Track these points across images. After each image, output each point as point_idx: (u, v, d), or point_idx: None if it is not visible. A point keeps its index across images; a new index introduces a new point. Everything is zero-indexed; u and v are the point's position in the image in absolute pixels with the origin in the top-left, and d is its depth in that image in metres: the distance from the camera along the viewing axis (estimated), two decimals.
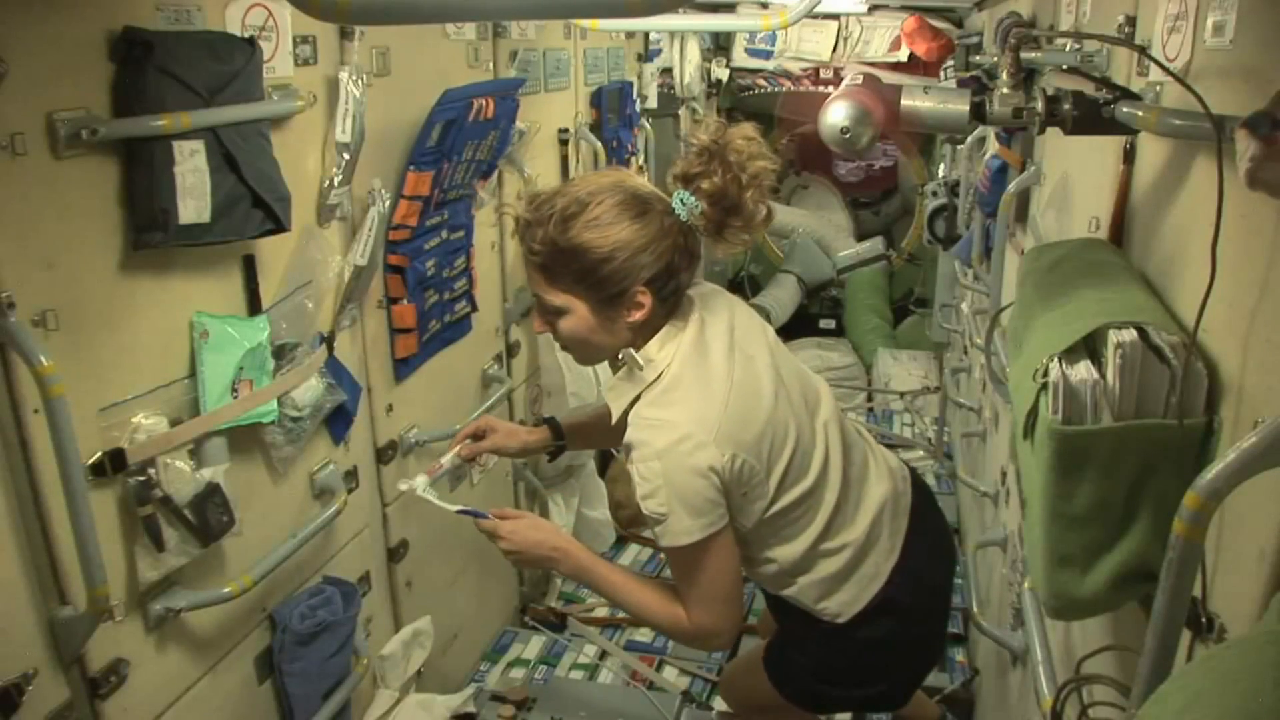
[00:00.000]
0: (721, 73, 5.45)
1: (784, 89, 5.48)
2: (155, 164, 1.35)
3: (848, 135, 1.97)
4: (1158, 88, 1.26)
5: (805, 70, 5.44)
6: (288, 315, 1.74)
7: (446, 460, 1.83)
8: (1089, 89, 1.38)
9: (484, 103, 2.22)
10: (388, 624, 2.31)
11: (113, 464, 1.36)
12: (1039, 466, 1.04)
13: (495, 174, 2.55)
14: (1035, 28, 2.40)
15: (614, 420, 1.59)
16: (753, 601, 2.80)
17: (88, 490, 1.29)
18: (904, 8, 4.87)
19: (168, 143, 1.36)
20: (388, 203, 2.02)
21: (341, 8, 1.07)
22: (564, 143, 3.07)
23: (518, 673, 2.72)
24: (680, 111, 4.86)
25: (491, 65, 2.56)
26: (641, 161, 3.81)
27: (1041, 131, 1.40)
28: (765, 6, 4.02)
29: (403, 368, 2.25)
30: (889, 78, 4.71)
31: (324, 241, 1.85)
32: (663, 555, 1.83)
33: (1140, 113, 1.16)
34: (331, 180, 1.84)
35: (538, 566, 1.99)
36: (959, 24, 4.94)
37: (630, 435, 1.51)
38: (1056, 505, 1.02)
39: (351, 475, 2.06)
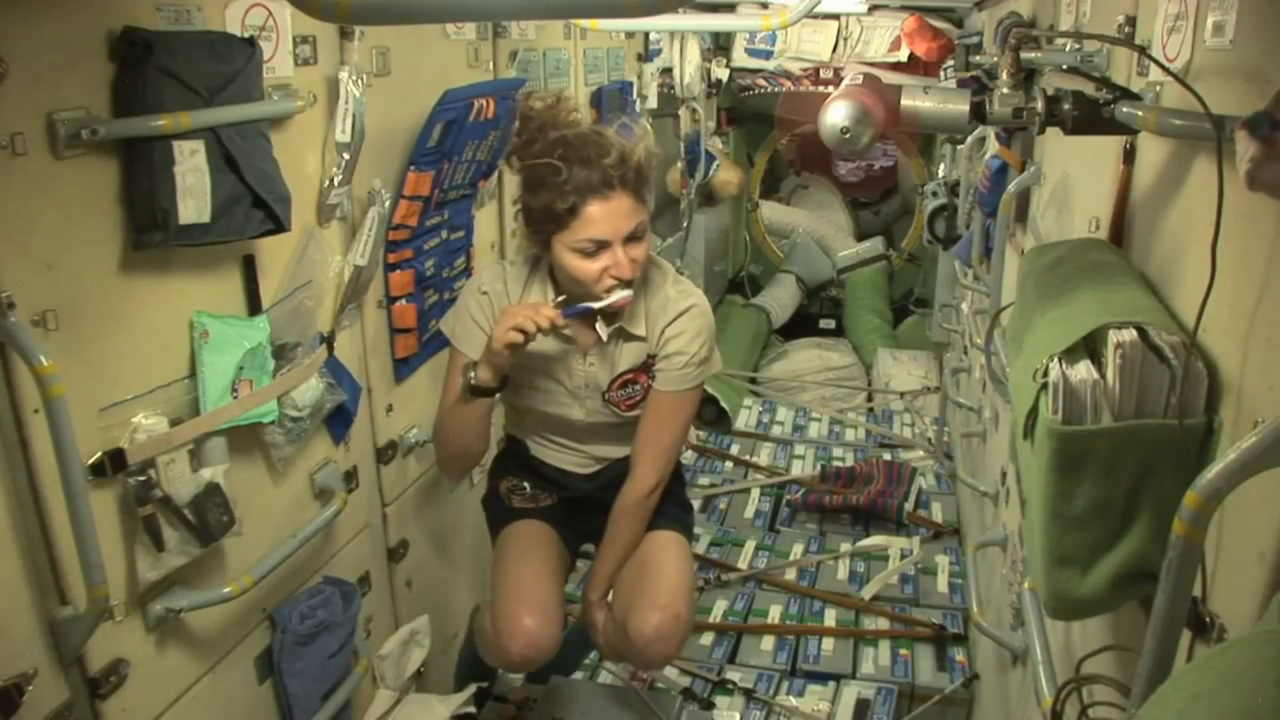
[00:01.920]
0: (721, 73, 5.45)
1: (784, 89, 5.48)
2: (155, 164, 1.35)
3: (848, 135, 1.96)
4: (1158, 88, 1.26)
5: (805, 70, 5.43)
6: (288, 315, 1.74)
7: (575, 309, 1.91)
8: (1089, 89, 1.38)
9: (485, 103, 2.22)
10: (387, 624, 2.31)
11: (113, 464, 1.35)
12: (1039, 466, 1.04)
13: (495, 174, 2.55)
14: (1035, 28, 2.40)
15: (647, 332, 2.01)
16: None
17: (88, 490, 1.29)
18: (904, 8, 4.87)
19: (168, 143, 1.35)
20: (388, 203, 2.02)
21: (341, 8, 1.07)
22: None
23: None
24: (680, 111, 4.87)
25: (491, 65, 2.56)
26: None
27: (1041, 131, 1.40)
28: (765, 6, 4.02)
29: (403, 368, 2.25)
30: (889, 78, 4.70)
31: (324, 241, 1.85)
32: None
33: (1140, 113, 1.16)
34: (331, 180, 1.84)
35: None
36: (959, 24, 4.94)
37: (681, 305, 1.98)
38: (1056, 505, 1.02)
39: (351, 475, 2.06)
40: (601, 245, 1.84)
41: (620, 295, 1.87)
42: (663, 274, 2.02)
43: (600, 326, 1.94)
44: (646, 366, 2.02)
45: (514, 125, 2.02)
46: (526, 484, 2.20)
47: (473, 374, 1.92)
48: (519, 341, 1.83)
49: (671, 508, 2.20)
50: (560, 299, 1.95)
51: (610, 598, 2.14)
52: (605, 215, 1.82)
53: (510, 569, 2.11)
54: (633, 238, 1.87)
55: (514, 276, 2.01)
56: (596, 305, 1.88)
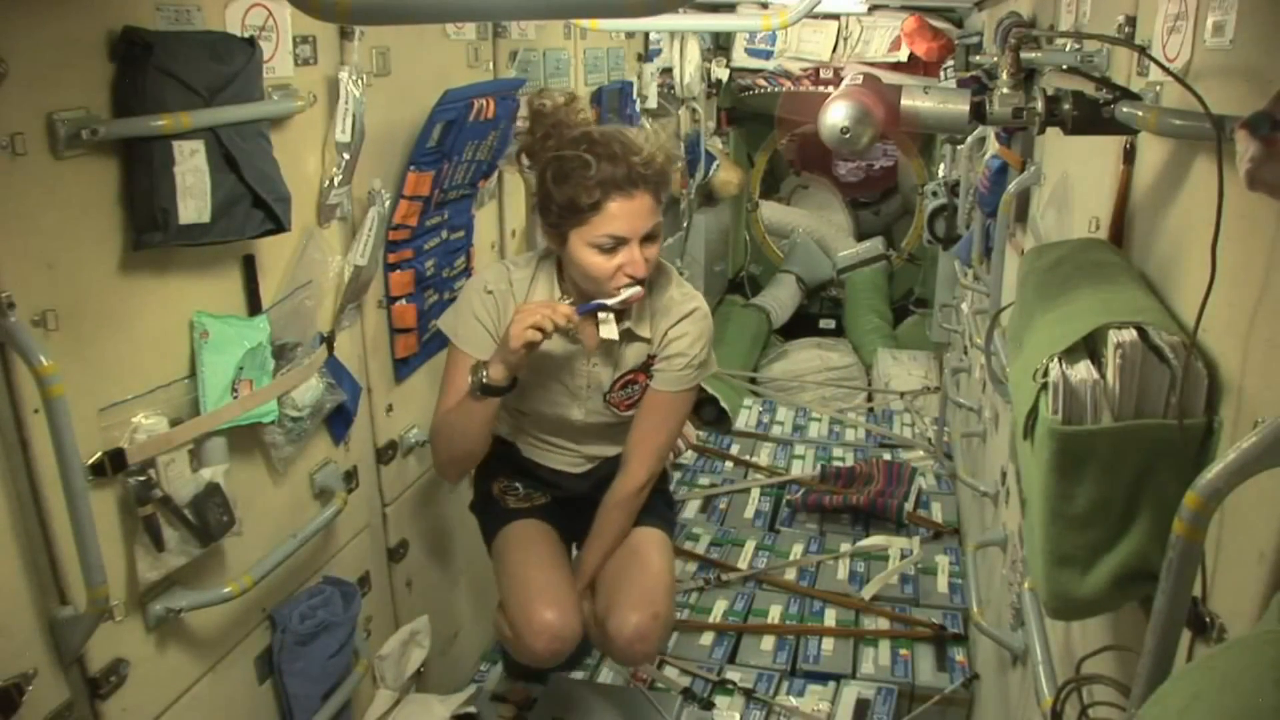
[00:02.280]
0: (721, 73, 5.45)
1: (784, 89, 5.48)
2: (155, 164, 1.35)
3: (848, 135, 1.96)
4: (1158, 88, 1.26)
5: (805, 70, 5.43)
6: (288, 315, 1.74)
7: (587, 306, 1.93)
8: (1089, 89, 1.38)
9: (484, 103, 2.22)
10: (388, 624, 2.31)
11: (113, 464, 1.35)
12: (1039, 466, 1.04)
13: (495, 174, 2.55)
14: (1035, 28, 2.40)
15: (655, 335, 2.03)
16: None
17: (88, 490, 1.29)
18: (904, 8, 4.87)
19: (168, 143, 1.35)
20: (388, 203, 2.02)
21: (341, 8, 1.07)
22: None
23: None
24: (680, 111, 4.86)
25: (491, 65, 2.56)
26: None
27: (1041, 131, 1.40)
28: (765, 6, 4.02)
29: (403, 368, 2.26)
30: (889, 78, 4.70)
31: (324, 241, 1.85)
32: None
33: (1140, 113, 1.16)
34: (331, 180, 1.84)
35: None
36: (959, 24, 4.94)
37: (685, 308, 2.02)
38: (1056, 505, 1.02)
39: (351, 475, 2.06)
40: (620, 242, 1.86)
41: (634, 291, 1.89)
42: (666, 276, 2.04)
43: (611, 327, 1.94)
44: (646, 366, 2.03)
45: (518, 123, 2.03)
46: (519, 484, 2.20)
47: (484, 373, 1.90)
48: (537, 340, 1.83)
49: (657, 504, 2.23)
50: (569, 300, 1.95)
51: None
52: (627, 213, 1.84)
53: (518, 568, 2.11)
54: (649, 237, 1.90)
55: (518, 276, 2.01)
56: (611, 301, 1.90)
